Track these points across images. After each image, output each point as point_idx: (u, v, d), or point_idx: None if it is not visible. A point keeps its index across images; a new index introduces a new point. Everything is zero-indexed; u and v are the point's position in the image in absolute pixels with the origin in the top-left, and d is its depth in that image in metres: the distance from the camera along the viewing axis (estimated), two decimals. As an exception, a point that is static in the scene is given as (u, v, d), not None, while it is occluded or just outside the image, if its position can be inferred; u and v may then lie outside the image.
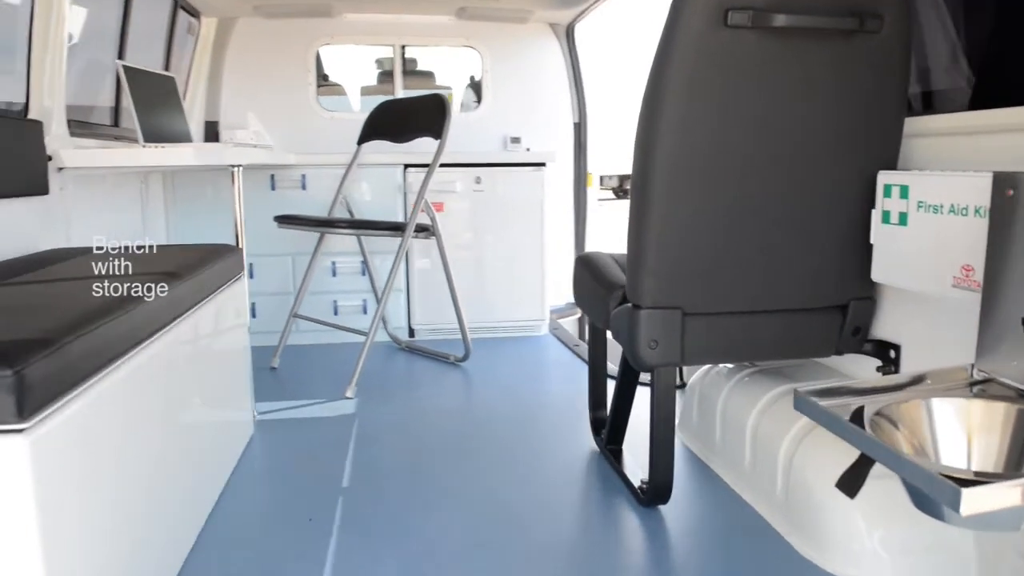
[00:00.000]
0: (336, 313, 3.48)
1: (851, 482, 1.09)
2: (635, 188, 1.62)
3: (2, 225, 2.02)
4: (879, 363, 1.74)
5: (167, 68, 3.40)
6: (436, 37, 3.93)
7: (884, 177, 1.56)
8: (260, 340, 3.34)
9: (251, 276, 3.31)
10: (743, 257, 1.64)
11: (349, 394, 2.69)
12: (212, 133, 3.89)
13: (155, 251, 2.00)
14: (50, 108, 2.24)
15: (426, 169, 3.37)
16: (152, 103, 2.77)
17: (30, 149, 2.09)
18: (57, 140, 2.25)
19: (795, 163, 1.59)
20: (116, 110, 2.97)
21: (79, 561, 1.09)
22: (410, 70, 4.34)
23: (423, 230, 2.90)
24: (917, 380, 1.28)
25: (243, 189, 3.33)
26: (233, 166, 2.36)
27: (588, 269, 2.05)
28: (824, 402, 1.21)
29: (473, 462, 2.12)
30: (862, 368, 1.81)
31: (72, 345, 1.09)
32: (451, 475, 2.03)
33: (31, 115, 2.19)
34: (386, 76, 4.12)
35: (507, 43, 3.92)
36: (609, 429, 2.09)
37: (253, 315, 3.34)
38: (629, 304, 1.69)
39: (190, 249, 2.09)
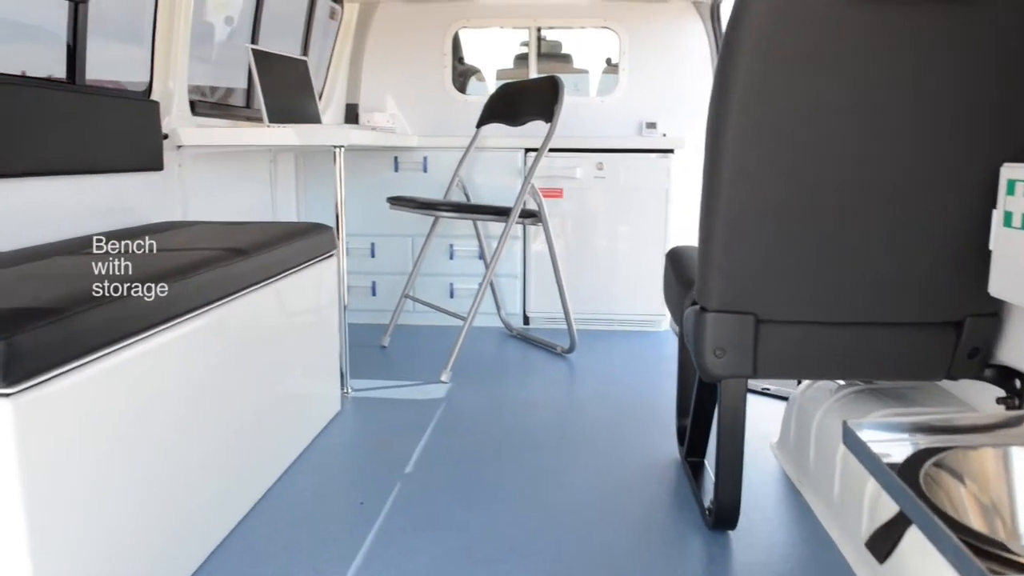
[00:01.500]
0: (452, 296, 3.48)
1: (881, 543, 0.90)
2: (704, 173, 1.44)
3: (119, 197, 2.16)
4: (1002, 393, 1.46)
5: (305, 52, 3.54)
6: (572, 18, 3.81)
7: (1009, 171, 1.28)
8: (377, 318, 3.43)
9: (372, 255, 3.40)
10: (830, 259, 1.43)
11: (443, 378, 2.68)
12: (352, 115, 4.02)
13: (247, 227, 2.07)
14: (171, 90, 2.37)
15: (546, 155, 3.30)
16: (281, 85, 2.88)
17: (147, 128, 2.22)
18: (176, 119, 2.39)
19: (897, 154, 1.35)
20: (249, 92, 3.13)
21: (77, 527, 1.12)
22: (547, 52, 4.26)
23: (530, 215, 2.82)
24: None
25: (367, 170, 3.43)
26: (335, 147, 2.39)
27: (672, 264, 1.88)
28: (879, 437, 1.01)
29: (543, 459, 2.02)
30: (986, 398, 1.53)
31: (81, 316, 1.12)
32: (516, 470, 1.95)
33: (153, 96, 2.33)
34: (522, 59, 4.07)
35: (647, 23, 3.73)
36: (689, 440, 1.92)
37: (373, 293, 3.44)
38: (697, 306, 1.52)
39: (282, 227, 2.14)
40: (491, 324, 3.48)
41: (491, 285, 3.38)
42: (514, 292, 3.46)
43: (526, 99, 2.94)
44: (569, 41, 4.35)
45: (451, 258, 3.46)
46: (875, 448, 0.99)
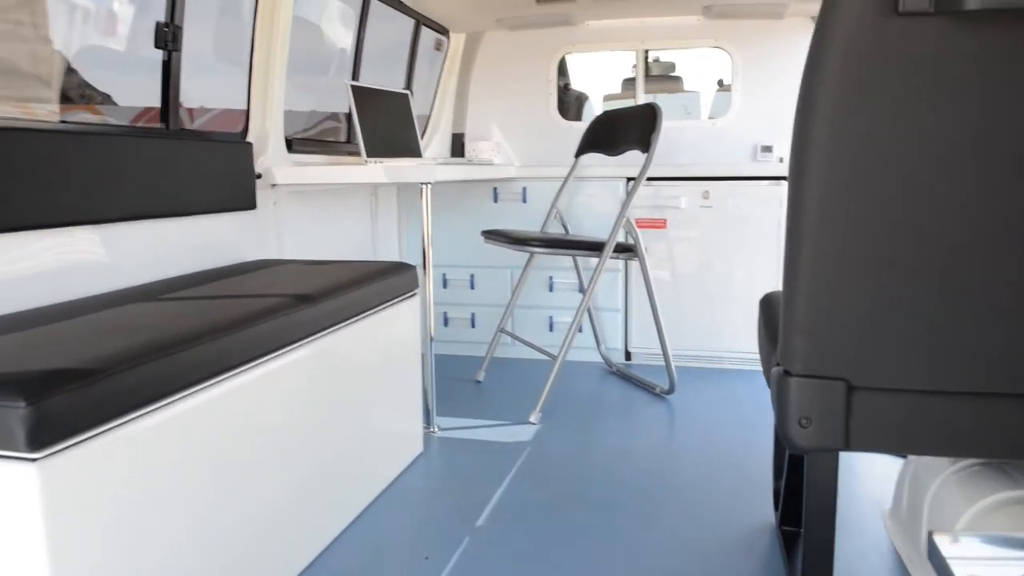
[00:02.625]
0: (551, 329, 3.39)
1: None
2: (787, 218, 1.29)
3: (213, 236, 2.22)
4: None
5: (408, 85, 3.58)
6: (681, 39, 3.65)
7: None
8: (476, 350, 3.40)
9: (472, 287, 3.38)
10: (942, 318, 1.23)
11: (532, 419, 2.59)
12: (458, 145, 4.03)
13: (331, 266, 2.08)
14: (267, 131, 2.43)
15: (647, 184, 3.17)
16: (381, 120, 2.91)
17: (240, 169, 2.28)
18: (271, 159, 2.44)
19: (1014, 191, 1.15)
20: (349, 127, 3.18)
21: (106, 588, 1.11)
22: (657, 75, 4.12)
23: (625, 250, 2.69)
24: None
25: (466, 202, 3.41)
26: (422, 183, 2.37)
27: (763, 313, 1.71)
28: (981, 553, 0.84)
29: (623, 517, 1.89)
30: None
31: (120, 376, 1.12)
32: (592, 529, 1.83)
33: (249, 137, 2.40)
34: (630, 82, 3.95)
35: (760, 42, 3.52)
36: (783, 506, 1.73)
37: (472, 325, 3.41)
38: (780, 368, 1.35)
39: (364, 267, 2.13)
40: (591, 359, 3.37)
41: (591, 319, 3.27)
42: (615, 326, 3.33)
43: (624, 127, 2.82)
44: (681, 61, 4.19)
45: (551, 291, 3.38)
46: (971, 571, 0.82)
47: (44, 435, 1.00)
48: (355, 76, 3.13)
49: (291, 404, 1.61)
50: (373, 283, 2.00)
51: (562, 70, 4.01)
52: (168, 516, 1.24)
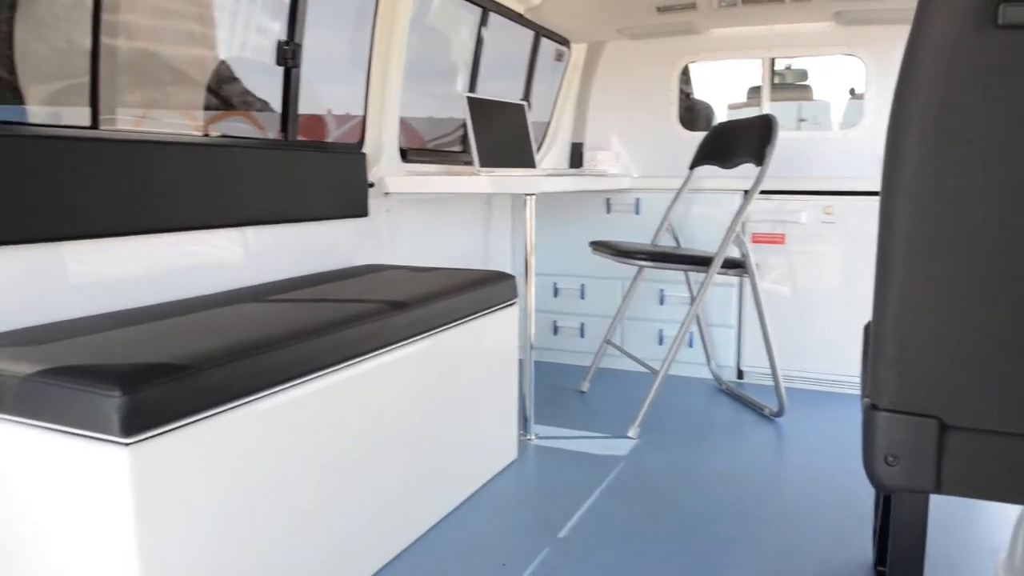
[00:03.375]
0: (661, 342, 3.33)
1: None
2: (878, 241, 1.22)
3: (326, 242, 2.35)
4: None
5: (527, 96, 3.63)
6: (810, 47, 3.50)
7: None
8: (585, 360, 3.40)
9: (582, 297, 3.38)
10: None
11: (631, 434, 2.56)
12: (577, 155, 4.04)
13: (434, 273, 2.15)
14: (382, 142, 2.54)
15: (767, 197, 3.06)
16: (496, 131, 2.97)
17: (354, 178, 2.40)
18: (385, 168, 2.55)
19: None
20: (465, 138, 3.26)
21: (184, 569, 1.21)
22: (784, 83, 3.97)
23: (735, 266, 2.61)
24: None
25: (579, 212, 3.42)
26: (527, 195, 2.40)
27: (864, 340, 1.61)
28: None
29: (712, 542, 1.83)
30: None
31: (210, 372, 1.21)
32: (676, 555, 1.79)
33: (364, 148, 2.52)
34: (756, 91, 3.82)
35: (896, 48, 3.31)
36: (878, 546, 1.63)
37: (581, 335, 3.41)
38: (868, 400, 1.28)
39: (465, 275, 2.18)
40: (701, 375, 3.29)
41: (701, 335, 3.19)
42: (727, 343, 3.23)
43: (739, 139, 2.74)
44: (812, 69, 4.02)
45: (661, 304, 3.32)
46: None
47: (136, 423, 1.10)
48: (472, 88, 3.21)
49: (382, 406, 1.68)
50: (471, 291, 2.05)
51: (686, 79, 3.94)
52: (253, 506, 1.33)
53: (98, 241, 1.66)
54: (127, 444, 1.10)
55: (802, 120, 4.27)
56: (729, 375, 3.23)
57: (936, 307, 1.16)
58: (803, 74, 4.30)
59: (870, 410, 1.25)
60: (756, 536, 1.87)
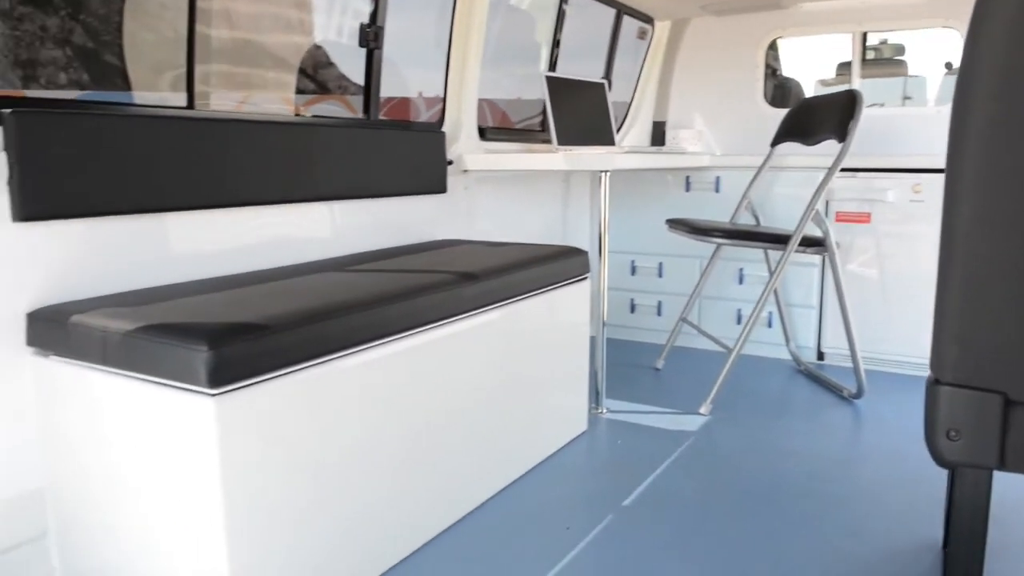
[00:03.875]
0: (739, 322, 3.30)
1: None
2: (942, 216, 1.20)
3: (406, 217, 2.45)
4: None
5: (608, 74, 3.63)
6: (906, 19, 3.35)
7: None
8: (661, 338, 3.41)
9: (659, 275, 3.39)
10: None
11: (702, 410, 2.57)
12: (659, 133, 4.02)
13: (508, 247, 2.21)
14: (461, 121, 2.62)
15: (853, 175, 2.98)
16: (575, 109, 3.00)
17: (434, 155, 2.48)
18: (463, 146, 2.62)
19: None
20: (544, 116, 3.30)
21: (264, 514, 1.32)
22: (877, 59, 3.82)
23: (814, 244, 2.56)
24: None
25: (659, 190, 3.41)
26: (601, 171, 2.43)
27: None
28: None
29: (777, 521, 1.84)
30: None
31: (288, 333, 1.31)
32: (741, 528, 1.80)
33: (444, 127, 2.60)
34: (845, 67, 3.70)
35: (999, 17, 3.14)
36: (945, 526, 1.60)
37: (659, 313, 3.42)
38: (931, 375, 1.26)
39: (538, 249, 2.23)
40: (780, 356, 3.24)
41: (780, 315, 3.14)
42: (808, 324, 3.17)
43: (822, 115, 2.68)
44: (908, 43, 3.85)
45: (740, 283, 3.29)
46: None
47: (221, 376, 1.21)
48: (552, 67, 3.24)
49: (454, 372, 1.76)
50: (543, 265, 2.10)
51: (776, 55, 3.85)
52: (328, 459, 1.43)
53: (194, 213, 1.79)
54: (213, 395, 1.21)
55: (908, 97, 4.11)
56: (809, 356, 3.18)
57: (1000, 281, 1.14)
58: (900, 48, 4.12)
59: (933, 385, 1.24)
60: (822, 514, 1.86)
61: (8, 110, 1.43)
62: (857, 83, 3.50)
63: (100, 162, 1.57)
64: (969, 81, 1.10)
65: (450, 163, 2.56)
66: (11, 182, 1.44)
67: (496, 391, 1.93)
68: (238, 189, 1.86)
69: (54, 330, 1.43)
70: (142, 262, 1.69)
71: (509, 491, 1.98)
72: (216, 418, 1.21)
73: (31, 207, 1.47)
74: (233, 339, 1.23)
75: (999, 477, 1.81)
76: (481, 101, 2.81)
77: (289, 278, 1.75)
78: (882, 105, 3.77)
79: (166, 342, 1.24)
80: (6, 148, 1.44)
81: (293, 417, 1.35)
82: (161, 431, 1.28)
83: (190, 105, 1.84)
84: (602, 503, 1.92)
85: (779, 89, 4.01)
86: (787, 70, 4.01)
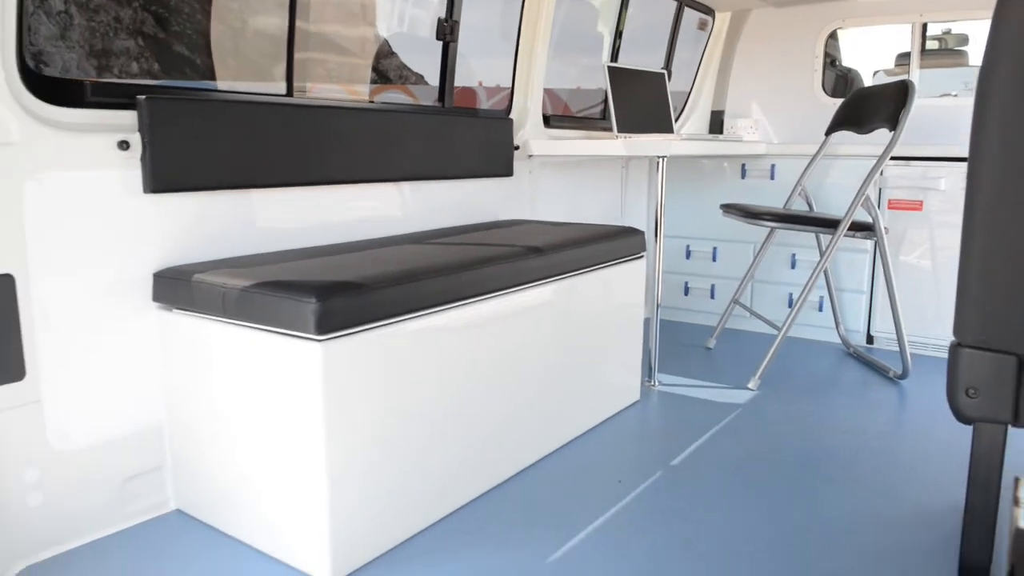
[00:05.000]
0: (790, 305, 3.41)
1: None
2: (966, 191, 1.33)
3: (475, 198, 2.64)
4: None
5: (668, 64, 3.76)
6: (964, 10, 3.39)
7: None
8: (713, 320, 3.54)
9: (713, 260, 3.51)
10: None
11: (751, 385, 2.70)
12: (717, 122, 4.13)
13: (568, 226, 2.39)
14: (527, 108, 2.79)
15: (907, 163, 3.06)
16: (635, 98, 3.15)
17: (502, 141, 2.66)
18: (529, 133, 2.80)
19: None
20: (605, 104, 3.45)
21: (358, 448, 1.52)
22: (937, 49, 3.85)
23: (862, 229, 2.66)
24: None
25: (715, 177, 3.54)
26: (658, 157, 2.58)
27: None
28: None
29: (813, 482, 1.98)
30: None
31: (379, 291, 1.52)
32: (779, 487, 1.94)
33: (512, 114, 2.78)
34: (905, 57, 3.74)
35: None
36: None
37: (712, 296, 3.55)
38: (954, 339, 1.40)
39: (598, 229, 2.40)
40: (830, 339, 3.34)
41: (831, 299, 3.24)
42: (858, 308, 3.26)
43: (875, 105, 2.77)
44: (972, 34, 3.87)
45: (792, 267, 3.39)
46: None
47: (326, 324, 1.42)
48: (614, 58, 3.39)
49: (518, 337, 1.95)
50: (601, 243, 2.27)
51: (836, 46, 3.91)
52: (411, 401, 1.63)
53: (292, 190, 2.02)
54: (319, 340, 1.42)
55: (968, 88, 4.11)
56: (858, 340, 3.27)
57: (1019, 250, 1.27)
58: (963, 39, 4.13)
59: (955, 347, 1.38)
60: (857, 479, 1.99)
61: (143, 96, 1.67)
62: (916, 74, 3.56)
63: (215, 143, 1.80)
64: (991, 70, 1.23)
65: (516, 148, 2.74)
66: (143, 159, 1.68)
67: (557, 357, 2.11)
68: (329, 169, 2.08)
69: (178, 287, 1.66)
70: (247, 231, 1.92)
71: (567, 448, 2.17)
72: (322, 360, 1.42)
73: (158, 181, 1.70)
74: (336, 294, 1.44)
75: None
76: (544, 91, 2.98)
77: (375, 248, 1.96)
78: (955, 95, 3.80)
79: (280, 296, 1.45)
80: (140, 129, 1.68)
81: (383, 364, 1.55)
82: (272, 373, 1.50)
83: (289, 93, 2.06)
84: (652, 461, 2.08)
85: (839, 79, 4.07)
86: (847, 60, 4.06)
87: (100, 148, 1.62)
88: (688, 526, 1.73)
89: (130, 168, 1.67)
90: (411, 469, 1.66)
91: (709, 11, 3.89)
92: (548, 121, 2.99)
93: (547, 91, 3.05)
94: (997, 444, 1.38)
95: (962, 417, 1.39)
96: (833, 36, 3.87)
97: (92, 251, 1.62)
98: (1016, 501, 1.07)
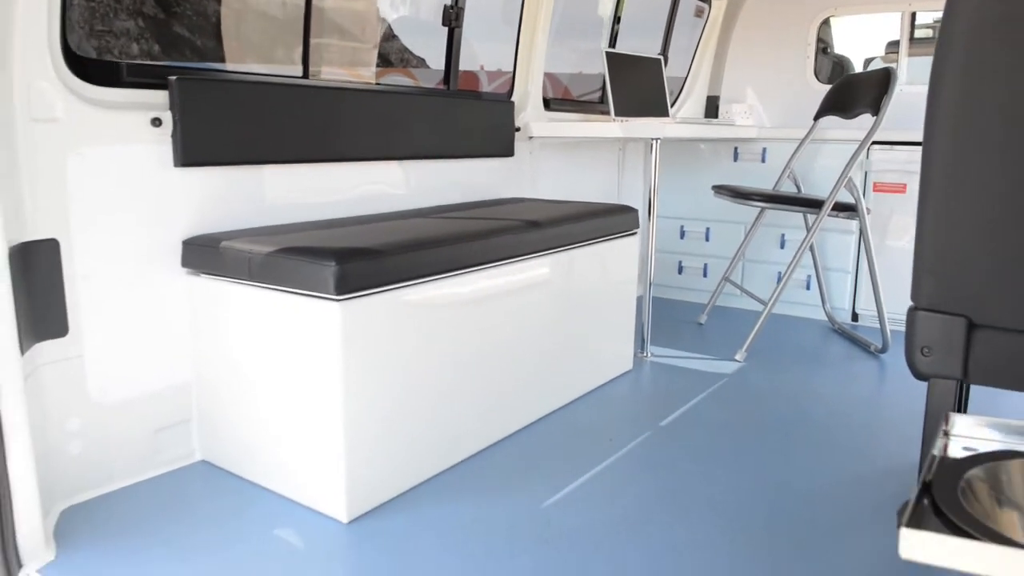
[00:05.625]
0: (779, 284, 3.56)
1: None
2: (921, 163, 1.48)
3: (478, 177, 2.78)
4: None
5: (664, 51, 3.88)
6: (953, -1, 3.51)
7: None
8: (706, 298, 3.68)
9: (706, 240, 3.66)
10: (1059, 267, 1.35)
11: (737, 357, 2.85)
12: (712, 107, 4.26)
13: (566, 204, 2.53)
14: (528, 92, 2.93)
15: (894, 148, 3.19)
16: (632, 83, 3.28)
17: (504, 123, 2.80)
18: (530, 115, 2.94)
19: None
20: (603, 89, 3.58)
21: (372, 401, 1.68)
22: (926, 38, 3.97)
23: (845, 209, 2.80)
24: None
25: (708, 160, 3.67)
26: (652, 139, 2.72)
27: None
28: (980, 434, 1.06)
29: (791, 441, 2.13)
30: None
31: (391, 257, 1.66)
32: (762, 445, 2.10)
33: (513, 97, 2.91)
34: (894, 45, 3.87)
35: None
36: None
37: (704, 275, 3.70)
38: (911, 303, 1.54)
39: (594, 206, 2.54)
40: (817, 316, 3.49)
41: (818, 277, 3.39)
42: (843, 286, 3.41)
43: (859, 91, 2.90)
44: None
45: (781, 247, 3.53)
46: (961, 438, 1.05)
47: (345, 285, 1.56)
48: (612, 43, 3.52)
49: (518, 305, 2.10)
50: (597, 219, 2.41)
51: (830, 32, 4.04)
52: (421, 361, 1.78)
53: (308, 166, 2.16)
54: (338, 300, 1.57)
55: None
56: (844, 317, 3.42)
57: (967, 223, 1.42)
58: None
59: (912, 311, 1.53)
60: (833, 441, 2.15)
61: (174, 77, 1.80)
62: (904, 61, 3.68)
63: (238, 121, 1.94)
64: (942, 60, 1.37)
65: (517, 130, 2.88)
66: (174, 135, 1.82)
67: (555, 325, 2.26)
68: (342, 147, 2.22)
69: (206, 254, 1.81)
70: (267, 204, 2.07)
71: (563, 410, 2.32)
72: (340, 319, 1.57)
73: (188, 155, 1.84)
74: (353, 258, 1.58)
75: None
76: (545, 75, 3.11)
77: (386, 221, 2.10)
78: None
79: (302, 260, 1.60)
80: (171, 107, 1.82)
81: (395, 324, 1.70)
82: (294, 332, 1.65)
83: (305, 75, 2.20)
84: (641, 423, 2.24)
85: (835, 66, 4.19)
86: (840, 48, 4.19)
87: (135, 125, 1.76)
88: (673, 478, 1.89)
89: (162, 143, 1.81)
90: (420, 422, 1.81)
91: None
92: (548, 104, 3.13)
93: (548, 76, 3.18)
94: (948, 399, 1.53)
95: (918, 374, 1.54)
96: (827, 23, 3.99)
97: (127, 219, 1.77)
98: (944, 434, 1.23)
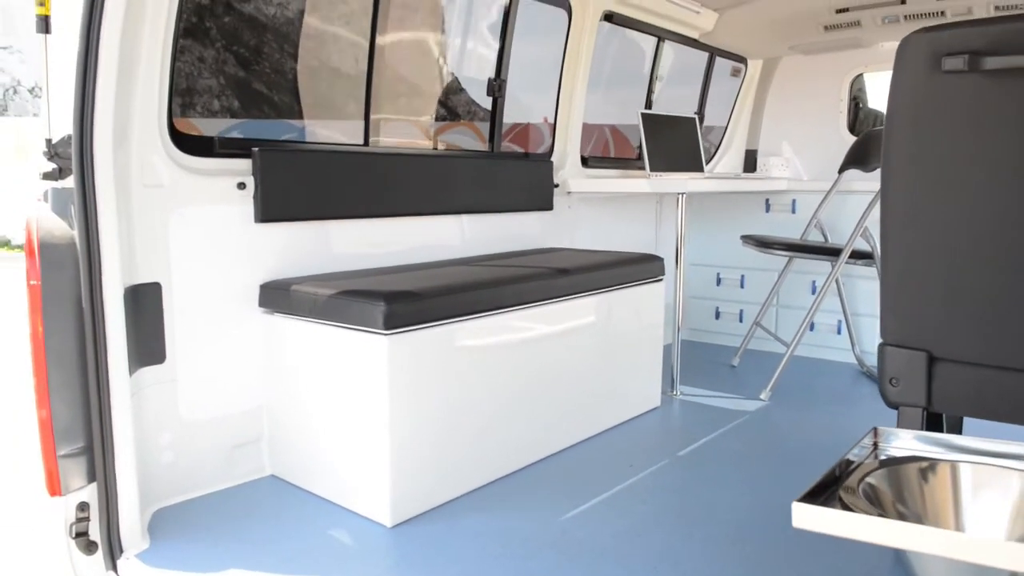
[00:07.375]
0: (812, 329, 3.72)
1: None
2: (881, 216, 1.69)
3: (520, 229, 3.08)
4: None
5: (700, 109, 4.15)
6: (977, 57, 3.68)
7: None
8: (737, 341, 3.87)
9: (741, 286, 3.86)
10: (1007, 305, 1.55)
11: (762, 396, 3.03)
12: (751, 160, 4.49)
13: (596, 253, 2.80)
14: (566, 151, 3.23)
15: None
16: (668, 140, 3.55)
17: (543, 179, 3.10)
18: (568, 172, 3.24)
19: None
20: (641, 146, 3.86)
21: (415, 422, 1.96)
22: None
23: (862, 256, 2.98)
24: None
25: (742, 211, 3.89)
26: (679, 193, 2.97)
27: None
28: (912, 446, 1.26)
29: (803, 472, 2.31)
30: None
31: (433, 299, 1.96)
32: (769, 475, 2.28)
33: (553, 156, 3.22)
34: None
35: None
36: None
37: (740, 320, 3.89)
38: (880, 339, 1.75)
39: (622, 255, 2.80)
40: (846, 360, 3.63)
41: (847, 322, 3.54)
42: (872, 330, 3.55)
43: (876, 145, 3.10)
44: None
45: (812, 293, 3.71)
46: (890, 447, 1.26)
47: (392, 322, 1.86)
48: (648, 104, 3.81)
49: (551, 343, 2.36)
50: (624, 267, 2.67)
51: (860, 87, 4.24)
52: (461, 387, 2.06)
53: (366, 221, 2.49)
54: (386, 335, 1.87)
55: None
56: (872, 360, 3.55)
57: (922, 265, 1.63)
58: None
59: (881, 346, 1.73)
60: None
61: (256, 148, 2.17)
62: (933, 116, 3.84)
63: (308, 183, 2.29)
64: (893, 112, 1.60)
65: (556, 186, 3.18)
66: (255, 196, 2.17)
67: (583, 363, 2.51)
68: (398, 204, 2.55)
69: (279, 295, 2.14)
70: (332, 253, 2.41)
71: (589, 441, 2.55)
72: (388, 351, 1.87)
73: (266, 213, 2.19)
74: (400, 299, 1.89)
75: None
76: (604, 127, 3.41)
77: (432, 269, 2.41)
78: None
79: (357, 300, 1.91)
80: (253, 173, 2.18)
81: (436, 357, 1.99)
82: (348, 362, 1.96)
83: (365, 143, 2.55)
84: (661, 452, 2.45)
85: (866, 119, 4.38)
86: (874, 102, 4.37)
87: (224, 188, 2.12)
88: (682, 498, 2.10)
89: (245, 203, 2.17)
90: (458, 442, 2.08)
91: (742, 59, 4.28)
92: (586, 162, 3.42)
93: (609, 127, 3.46)
94: (916, 424, 1.71)
95: (888, 402, 1.73)
96: (859, 79, 4.20)
97: (216, 266, 2.12)
98: (874, 445, 1.41)
